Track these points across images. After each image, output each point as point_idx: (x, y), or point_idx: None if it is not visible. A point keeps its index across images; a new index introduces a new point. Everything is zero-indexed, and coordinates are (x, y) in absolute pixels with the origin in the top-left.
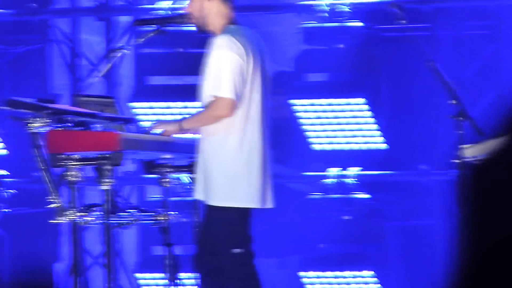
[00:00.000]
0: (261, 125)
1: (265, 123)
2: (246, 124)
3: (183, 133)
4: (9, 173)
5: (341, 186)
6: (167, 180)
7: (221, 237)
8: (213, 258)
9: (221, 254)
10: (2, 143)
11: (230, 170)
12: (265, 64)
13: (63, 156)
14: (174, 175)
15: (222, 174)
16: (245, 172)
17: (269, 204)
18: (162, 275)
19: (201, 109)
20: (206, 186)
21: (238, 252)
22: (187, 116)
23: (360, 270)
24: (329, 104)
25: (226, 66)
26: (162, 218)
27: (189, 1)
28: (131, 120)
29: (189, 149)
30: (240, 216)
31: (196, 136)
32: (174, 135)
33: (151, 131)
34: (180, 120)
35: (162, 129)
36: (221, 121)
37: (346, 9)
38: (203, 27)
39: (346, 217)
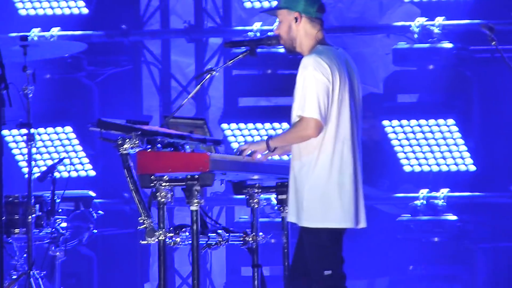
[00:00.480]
0: (351, 145)
1: (357, 143)
2: (336, 144)
3: (271, 153)
4: (95, 194)
5: (430, 208)
6: (256, 201)
7: (314, 258)
8: (305, 280)
9: (313, 276)
10: (90, 164)
11: (321, 191)
12: (356, 84)
13: (153, 177)
14: (263, 196)
15: (313, 195)
16: (337, 192)
17: (362, 224)
18: None
19: (288, 128)
20: (298, 207)
21: (330, 274)
22: (273, 135)
23: None
24: (419, 125)
25: (311, 86)
26: (251, 239)
27: (278, 23)
28: (220, 142)
29: (277, 170)
30: (332, 238)
31: (285, 157)
32: (262, 155)
33: (239, 152)
34: (268, 138)
35: (250, 150)
36: (311, 142)
37: (437, 30)
38: (292, 49)
39: (436, 239)
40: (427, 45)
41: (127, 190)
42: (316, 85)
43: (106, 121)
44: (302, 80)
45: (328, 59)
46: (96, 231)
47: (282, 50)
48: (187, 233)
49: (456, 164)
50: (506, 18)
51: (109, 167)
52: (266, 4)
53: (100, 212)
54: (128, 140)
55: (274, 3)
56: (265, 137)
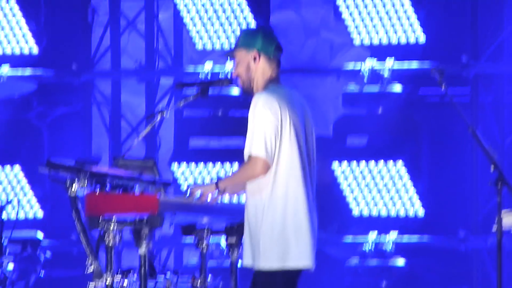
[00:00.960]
0: (304, 183)
1: (310, 181)
2: (289, 182)
3: (220, 194)
4: (43, 235)
5: (379, 252)
6: (205, 244)
7: None
8: None
9: None
10: (38, 204)
11: (277, 232)
12: (309, 125)
13: (101, 219)
14: (212, 239)
15: (270, 236)
16: (293, 231)
17: (313, 264)
18: None
19: (235, 169)
20: (254, 250)
21: None
22: (222, 176)
23: None
24: (368, 168)
25: (259, 124)
26: (199, 282)
27: (235, 64)
28: (170, 183)
29: (227, 212)
30: (287, 281)
31: (235, 199)
32: (212, 197)
33: (188, 195)
34: (217, 181)
35: (199, 191)
36: (263, 181)
37: (386, 73)
38: (249, 89)
39: (384, 283)
40: (376, 89)
41: (75, 232)
42: (264, 123)
43: (55, 162)
44: (251, 117)
45: (279, 97)
46: (43, 273)
47: (234, 92)
48: (135, 276)
49: (405, 208)
50: (456, 62)
51: (57, 207)
52: (217, 46)
53: (47, 253)
54: (77, 181)
55: (226, 46)
56: (215, 179)
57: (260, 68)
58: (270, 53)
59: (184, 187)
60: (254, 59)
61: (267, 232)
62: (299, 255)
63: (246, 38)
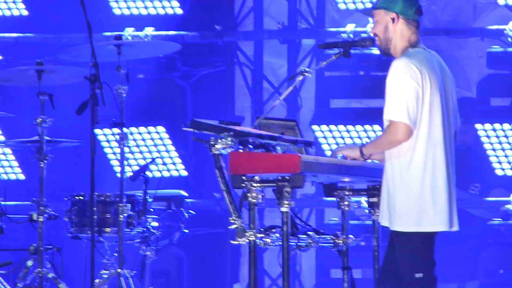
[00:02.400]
0: (444, 148)
1: (449, 146)
2: (428, 147)
3: (365, 159)
4: (187, 194)
5: None
6: (346, 203)
7: (405, 262)
8: (396, 282)
9: (404, 278)
10: (182, 164)
11: (415, 195)
12: (450, 88)
13: (244, 177)
14: (354, 199)
15: (406, 199)
16: (430, 195)
17: (455, 227)
18: None
19: (379, 134)
20: (391, 211)
21: (422, 277)
22: (367, 141)
23: None
24: None
25: (400, 90)
26: (341, 241)
27: (374, 23)
28: (311, 143)
29: (369, 173)
30: (425, 241)
31: (378, 161)
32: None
33: (333, 155)
34: (361, 146)
35: (343, 154)
36: (403, 145)
37: None
38: (386, 50)
39: None
40: None
41: (218, 190)
42: (405, 89)
43: (199, 121)
44: (391, 83)
45: (419, 62)
46: (187, 231)
47: (375, 51)
48: (278, 234)
49: None
50: None
51: (201, 167)
52: (360, 6)
53: (191, 212)
54: (220, 140)
55: (369, 5)
56: (357, 140)
57: (399, 30)
58: (410, 15)
59: (325, 148)
60: (393, 20)
61: (404, 195)
62: (435, 219)
63: None
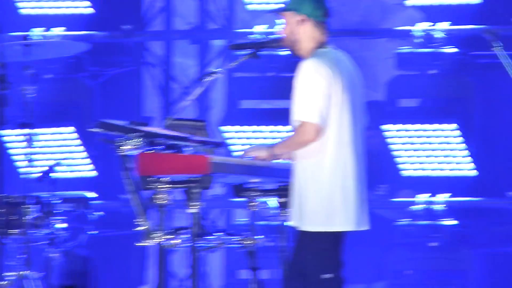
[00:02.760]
0: (353, 148)
1: (359, 145)
2: (339, 147)
3: (275, 159)
4: (97, 195)
5: (429, 213)
6: (255, 204)
7: (313, 262)
8: (302, 283)
9: (311, 279)
10: (92, 165)
11: (325, 195)
12: (358, 88)
13: (153, 178)
14: (262, 199)
15: (317, 199)
16: (340, 196)
17: (365, 226)
18: None
19: (290, 134)
20: (301, 211)
21: (328, 278)
22: (277, 141)
23: None
24: (420, 130)
25: (310, 90)
26: (249, 242)
27: (283, 25)
28: (221, 144)
29: (278, 173)
30: (333, 241)
31: (289, 161)
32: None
33: (243, 156)
34: (271, 146)
35: (254, 154)
36: (313, 146)
37: (439, 35)
38: (296, 51)
39: (434, 244)
40: (429, 49)
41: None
42: (315, 89)
43: (107, 122)
44: (301, 84)
45: (328, 62)
46: (94, 232)
47: (284, 53)
48: (186, 236)
49: (457, 169)
50: (509, 24)
51: (109, 168)
52: (269, 7)
53: (99, 213)
54: (128, 141)
55: (278, 6)
56: (266, 141)
57: (307, 31)
58: (318, 17)
59: (234, 148)
60: (301, 22)
61: (314, 195)
62: (345, 219)
63: (295, 0)
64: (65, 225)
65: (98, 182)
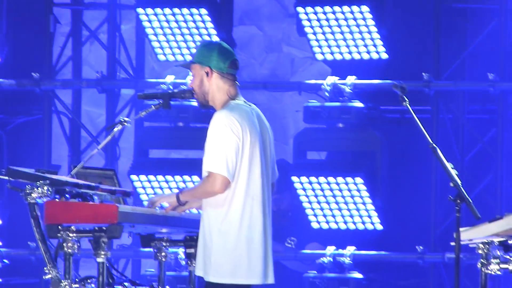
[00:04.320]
0: (261, 201)
1: (267, 198)
2: (246, 200)
3: (182, 207)
4: (1, 243)
5: (337, 265)
6: (164, 254)
7: None
8: None
9: None
10: None
11: (230, 246)
12: (268, 141)
13: (60, 227)
14: (171, 249)
15: (222, 250)
16: (245, 248)
17: (270, 280)
18: None
19: (196, 183)
20: (206, 261)
21: None
22: (183, 188)
23: None
24: (328, 183)
25: (221, 143)
26: None
27: (191, 77)
28: (129, 193)
29: (186, 223)
30: None
31: (194, 210)
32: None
33: (148, 205)
34: (177, 193)
35: (160, 202)
36: (221, 197)
37: (348, 89)
38: (204, 103)
39: None
40: (337, 103)
41: (33, 240)
42: (225, 141)
43: (14, 169)
44: (212, 135)
45: (239, 115)
46: (0, 280)
47: (195, 103)
48: (93, 285)
49: (363, 223)
50: (418, 79)
51: (16, 216)
52: (179, 58)
53: (5, 261)
54: (36, 189)
55: (188, 57)
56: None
57: (214, 84)
58: (223, 69)
59: (143, 198)
60: (207, 74)
61: (220, 246)
62: (249, 272)
63: (201, 53)
64: None
65: (4, 230)
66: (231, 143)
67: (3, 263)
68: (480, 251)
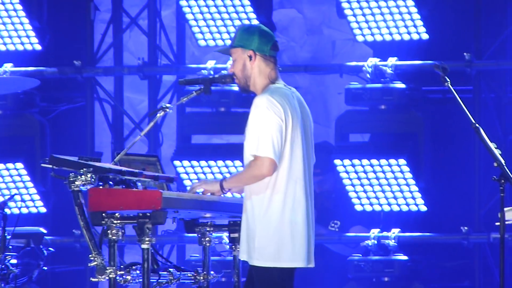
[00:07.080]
0: (303, 184)
1: (309, 181)
2: (289, 183)
3: (224, 193)
4: (46, 231)
5: (381, 248)
6: (208, 239)
7: None
8: None
9: None
10: (41, 201)
11: (274, 230)
12: (308, 124)
13: (104, 214)
14: (215, 234)
15: (265, 234)
16: (289, 231)
17: (312, 263)
18: None
19: (241, 169)
20: (250, 246)
21: None
22: (228, 175)
23: None
24: (371, 165)
25: (264, 125)
26: (202, 277)
27: (232, 62)
28: (173, 179)
29: (230, 208)
30: (283, 276)
31: (238, 195)
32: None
33: (191, 190)
34: (221, 180)
35: (203, 189)
36: (264, 181)
37: (389, 70)
38: (246, 87)
39: (386, 279)
40: (379, 85)
41: (78, 227)
42: (269, 124)
43: (58, 157)
44: (255, 119)
45: (280, 98)
46: (46, 268)
47: (235, 88)
48: (138, 271)
49: (407, 204)
50: (459, 59)
51: (60, 204)
52: (220, 43)
53: (50, 249)
54: (79, 176)
55: (228, 42)
56: (218, 175)
57: (257, 67)
58: (266, 52)
59: (186, 183)
60: (250, 58)
61: (264, 230)
62: (293, 255)
63: (242, 37)
64: (15, 261)
65: (49, 218)
66: (275, 125)
67: (48, 251)
68: None
